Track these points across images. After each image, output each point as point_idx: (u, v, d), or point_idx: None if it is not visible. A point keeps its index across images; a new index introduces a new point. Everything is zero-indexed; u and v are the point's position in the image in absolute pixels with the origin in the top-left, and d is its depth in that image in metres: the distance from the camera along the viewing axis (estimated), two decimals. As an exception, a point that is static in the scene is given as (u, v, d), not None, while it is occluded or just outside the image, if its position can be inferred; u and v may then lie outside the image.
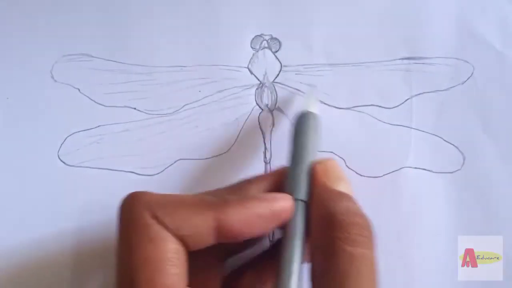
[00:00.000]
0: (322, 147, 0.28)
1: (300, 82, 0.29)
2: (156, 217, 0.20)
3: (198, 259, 0.21)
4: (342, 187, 0.22)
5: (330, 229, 0.20)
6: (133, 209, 0.20)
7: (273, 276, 0.23)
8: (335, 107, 0.29)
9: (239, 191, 0.23)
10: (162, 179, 0.28)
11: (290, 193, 0.22)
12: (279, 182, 0.23)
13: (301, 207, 0.22)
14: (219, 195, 0.22)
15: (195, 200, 0.21)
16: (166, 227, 0.20)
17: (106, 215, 0.27)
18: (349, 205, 0.21)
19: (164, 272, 0.19)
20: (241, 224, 0.20)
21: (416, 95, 0.29)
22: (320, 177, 0.22)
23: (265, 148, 0.28)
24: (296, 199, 0.22)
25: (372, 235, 0.20)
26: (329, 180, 0.22)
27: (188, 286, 0.20)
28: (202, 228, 0.20)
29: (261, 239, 0.25)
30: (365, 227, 0.20)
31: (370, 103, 0.28)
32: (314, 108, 0.25)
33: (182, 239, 0.20)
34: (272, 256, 0.24)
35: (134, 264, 0.19)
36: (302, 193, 0.22)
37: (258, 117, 0.29)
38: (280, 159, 0.28)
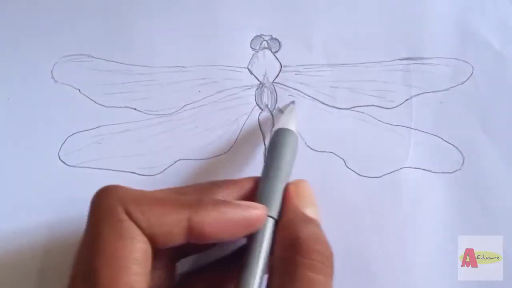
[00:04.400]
0: (322, 147, 0.28)
1: (300, 83, 0.29)
2: (129, 213, 0.19)
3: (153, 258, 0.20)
4: (310, 211, 0.23)
5: (294, 252, 0.20)
6: (106, 202, 0.20)
7: (226, 286, 0.23)
8: (335, 107, 0.29)
9: (208, 192, 0.23)
10: (162, 179, 0.28)
11: None
12: (248, 191, 0.23)
13: (271, 224, 0.22)
14: (191, 194, 0.22)
15: (170, 198, 0.20)
16: (138, 225, 0.19)
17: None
18: (315, 231, 0.21)
19: (129, 271, 0.19)
20: (213, 227, 0.20)
21: (415, 95, 0.29)
22: (292, 198, 0.23)
23: (265, 148, 0.28)
24: (268, 216, 0.22)
25: (332, 265, 0.21)
26: (300, 203, 0.23)
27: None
28: (174, 227, 0.20)
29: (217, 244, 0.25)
30: (328, 256, 0.20)
31: (370, 104, 0.29)
32: (293, 125, 0.25)
33: (152, 238, 0.20)
34: (226, 264, 0.24)
35: (99, 259, 0.19)
36: (274, 211, 0.22)
37: (258, 118, 0.29)
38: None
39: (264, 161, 0.24)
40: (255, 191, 0.23)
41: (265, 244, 0.21)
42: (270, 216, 0.22)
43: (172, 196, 0.21)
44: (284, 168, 0.24)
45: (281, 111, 0.29)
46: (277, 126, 0.26)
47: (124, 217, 0.19)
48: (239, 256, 0.23)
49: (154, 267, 0.20)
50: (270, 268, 0.21)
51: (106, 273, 0.18)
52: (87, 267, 0.19)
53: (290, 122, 0.25)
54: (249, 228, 0.21)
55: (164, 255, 0.22)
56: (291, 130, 0.25)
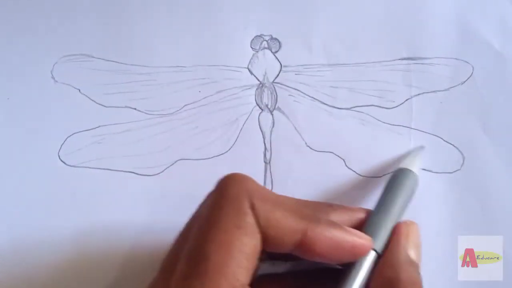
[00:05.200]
0: (322, 147, 0.28)
1: (300, 83, 0.29)
2: (253, 208, 0.20)
3: None
4: (414, 254, 0.23)
5: None
6: (234, 190, 0.20)
7: None
8: (335, 107, 0.29)
9: (323, 212, 0.23)
10: (162, 179, 0.28)
11: None
12: (359, 220, 0.24)
13: (372, 257, 0.22)
14: (310, 210, 0.22)
15: (293, 207, 0.21)
16: (257, 222, 0.20)
17: (106, 214, 0.27)
18: (415, 276, 0.22)
19: (238, 263, 0.19)
20: (323, 246, 0.20)
21: (416, 95, 0.29)
22: (400, 237, 0.23)
23: (265, 149, 0.28)
24: (372, 249, 0.22)
25: None
26: (407, 244, 0.23)
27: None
28: (288, 235, 0.20)
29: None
30: None
31: (370, 103, 0.29)
32: (416, 168, 0.26)
33: (266, 238, 0.20)
34: (306, 278, 0.24)
35: (213, 243, 0.19)
36: (379, 245, 0.23)
37: (258, 118, 0.29)
38: (280, 159, 0.28)
39: (380, 196, 0.25)
40: (364, 223, 0.24)
41: (362, 275, 0.22)
42: (374, 250, 0.22)
43: (295, 205, 0.21)
44: (398, 207, 0.24)
45: (281, 110, 0.29)
46: (401, 166, 0.26)
47: (248, 210, 0.20)
48: (320, 274, 0.24)
49: None
50: None
51: (216, 258, 0.19)
52: (198, 248, 0.19)
53: (414, 164, 0.26)
54: (352, 256, 0.21)
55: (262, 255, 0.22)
56: (414, 173, 0.25)
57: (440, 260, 0.27)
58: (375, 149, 0.28)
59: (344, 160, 0.28)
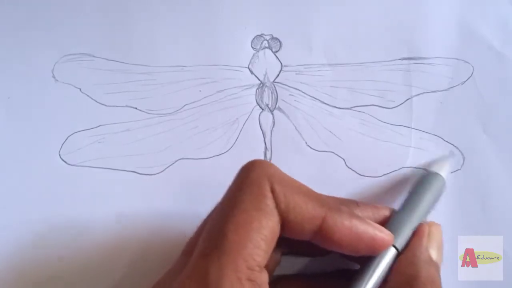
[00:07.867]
0: (322, 147, 0.28)
1: (301, 82, 0.29)
2: (273, 191, 0.20)
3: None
4: (435, 254, 0.23)
5: None
6: (255, 174, 0.20)
7: None
8: (335, 107, 0.29)
9: (347, 206, 0.23)
10: (162, 178, 0.28)
11: None
12: (383, 218, 0.24)
13: (392, 253, 0.22)
14: (332, 200, 0.22)
15: (314, 194, 0.21)
16: (277, 205, 0.20)
17: (107, 213, 0.27)
18: (435, 275, 0.22)
19: (255, 244, 0.19)
20: (342, 235, 0.21)
21: (416, 95, 0.29)
22: (422, 237, 0.23)
23: (266, 148, 0.28)
24: (392, 245, 0.22)
25: None
26: (429, 243, 0.23)
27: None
28: (308, 221, 0.20)
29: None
30: None
31: (370, 103, 0.29)
32: (444, 172, 0.26)
33: (284, 223, 0.20)
34: (325, 279, 0.25)
35: (232, 224, 0.19)
36: (400, 243, 0.23)
37: (259, 117, 0.29)
38: (281, 158, 0.28)
39: (406, 197, 0.25)
40: (388, 221, 0.24)
41: (380, 270, 0.22)
42: (394, 247, 0.22)
43: (316, 193, 0.21)
44: (422, 209, 0.24)
45: (282, 110, 0.29)
46: (430, 168, 0.26)
47: (268, 193, 0.20)
48: (334, 275, 0.24)
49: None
50: None
51: (234, 237, 0.19)
52: (217, 227, 0.20)
53: (443, 168, 0.26)
54: (372, 249, 0.22)
55: (280, 244, 0.22)
56: (442, 177, 0.26)
57: (440, 260, 0.27)
58: (375, 149, 0.28)
59: (344, 160, 0.28)
